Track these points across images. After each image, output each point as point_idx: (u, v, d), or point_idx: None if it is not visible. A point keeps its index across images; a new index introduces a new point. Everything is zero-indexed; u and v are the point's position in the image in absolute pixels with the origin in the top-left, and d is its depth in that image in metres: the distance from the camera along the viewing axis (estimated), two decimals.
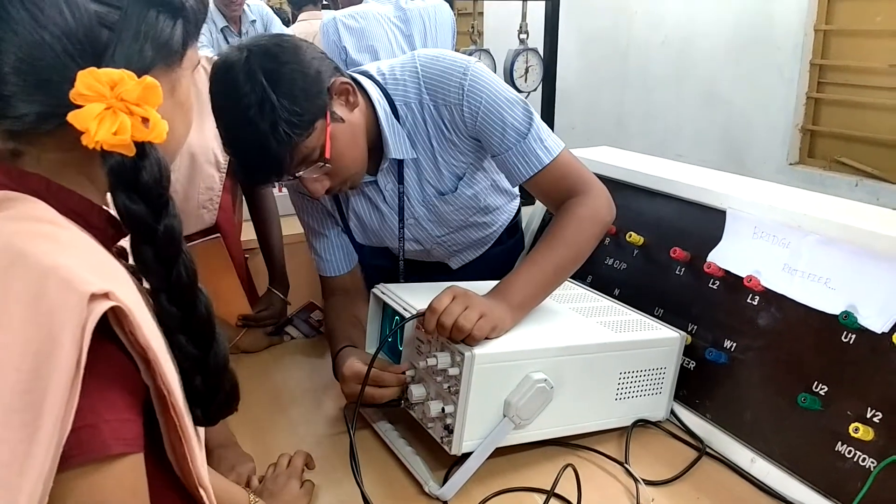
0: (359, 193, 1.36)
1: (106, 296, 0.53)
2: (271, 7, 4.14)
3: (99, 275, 0.54)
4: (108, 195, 0.64)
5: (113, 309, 0.53)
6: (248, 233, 1.78)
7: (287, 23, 3.92)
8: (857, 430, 0.99)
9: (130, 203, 0.58)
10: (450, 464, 1.10)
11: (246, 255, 1.77)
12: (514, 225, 1.61)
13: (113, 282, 0.55)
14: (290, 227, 1.79)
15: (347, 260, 1.44)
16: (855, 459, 1.00)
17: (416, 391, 1.08)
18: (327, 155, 1.12)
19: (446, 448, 1.04)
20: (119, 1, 0.60)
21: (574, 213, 1.20)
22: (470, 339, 1.02)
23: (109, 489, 0.54)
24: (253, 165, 1.11)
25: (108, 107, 0.56)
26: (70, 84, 0.56)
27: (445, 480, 1.06)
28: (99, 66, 0.57)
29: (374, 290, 1.24)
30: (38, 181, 0.60)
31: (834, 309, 1.06)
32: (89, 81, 0.55)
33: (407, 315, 1.12)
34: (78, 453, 0.52)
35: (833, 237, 1.10)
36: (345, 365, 1.18)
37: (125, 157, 0.57)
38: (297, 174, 1.13)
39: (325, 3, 3.94)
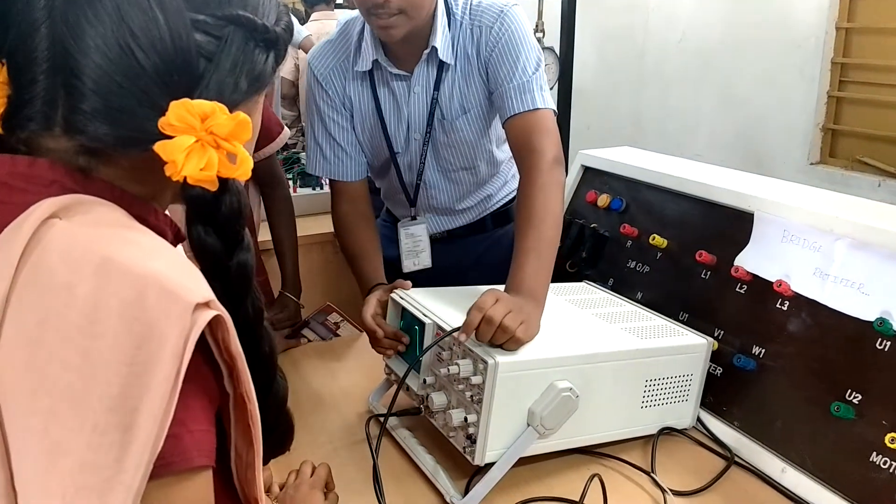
0: (386, 86, 1.40)
1: (207, 304, 0.51)
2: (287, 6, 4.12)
3: (192, 280, 0.53)
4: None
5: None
6: (264, 233, 1.77)
7: (301, 21, 3.91)
8: (893, 440, 0.96)
9: (206, 236, 0.57)
10: (471, 473, 1.07)
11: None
12: (503, 213, 1.63)
13: (206, 287, 0.54)
14: (303, 228, 1.78)
15: (354, 170, 1.46)
16: (891, 471, 0.96)
17: (438, 399, 1.06)
18: None
19: (469, 458, 1.02)
20: (221, 31, 0.58)
21: (539, 184, 1.23)
22: (511, 344, 1.02)
23: (184, 502, 0.52)
24: None
25: (198, 139, 0.54)
26: (158, 111, 0.54)
27: (467, 490, 1.03)
28: (192, 96, 0.55)
29: (392, 295, 1.22)
30: (102, 185, 0.58)
31: (868, 315, 1.03)
32: (181, 113, 0.54)
33: (427, 321, 1.09)
34: (160, 465, 0.50)
35: (866, 241, 1.06)
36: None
37: (206, 190, 0.55)
38: None
39: (338, 2, 3.93)
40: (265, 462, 0.66)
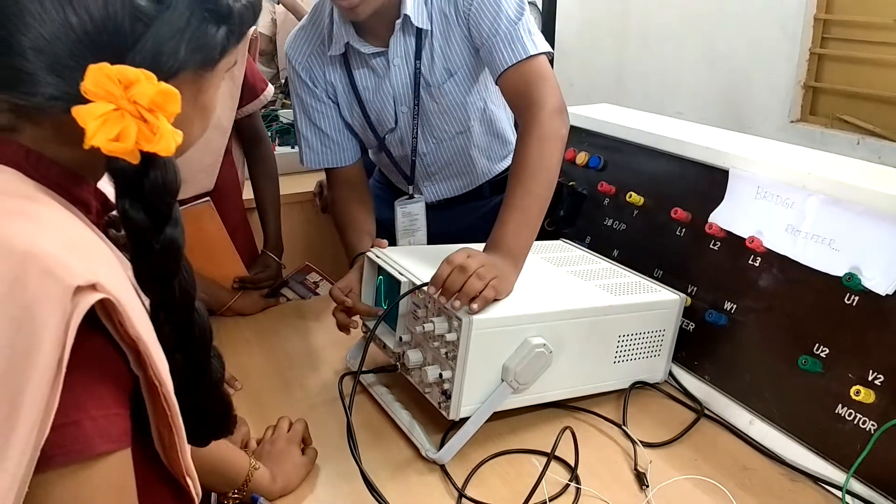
0: (364, 66, 1.36)
1: (93, 287, 0.49)
2: None
3: (84, 259, 0.51)
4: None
5: (101, 300, 0.49)
6: (247, 192, 1.75)
7: None
8: (858, 392, 0.98)
9: (131, 211, 0.54)
10: (447, 427, 1.09)
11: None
12: (502, 181, 1.59)
13: (99, 267, 0.51)
14: (284, 187, 1.77)
15: (345, 155, 1.45)
16: (855, 422, 0.99)
17: (413, 356, 1.07)
18: None
19: (444, 413, 1.03)
20: None
21: (536, 136, 1.18)
22: (487, 292, 1.00)
23: (95, 489, 0.51)
24: None
25: (118, 108, 0.51)
26: (83, 75, 0.52)
27: (442, 444, 1.05)
28: (122, 61, 0.53)
29: (367, 253, 1.22)
30: (17, 150, 0.56)
31: (838, 270, 1.05)
32: (98, 77, 0.51)
33: (402, 280, 1.10)
34: (59, 453, 0.48)
35: (838, 197, 1.07)
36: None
37: (129, 163, 0.53)
38: None
39: None
40: (204, 444, 0.65)
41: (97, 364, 0.52)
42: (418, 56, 1.33)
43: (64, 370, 0.47)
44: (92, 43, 0.53)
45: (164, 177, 0.55)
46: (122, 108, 0.52)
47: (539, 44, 1.26)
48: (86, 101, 0.51)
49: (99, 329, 0.51)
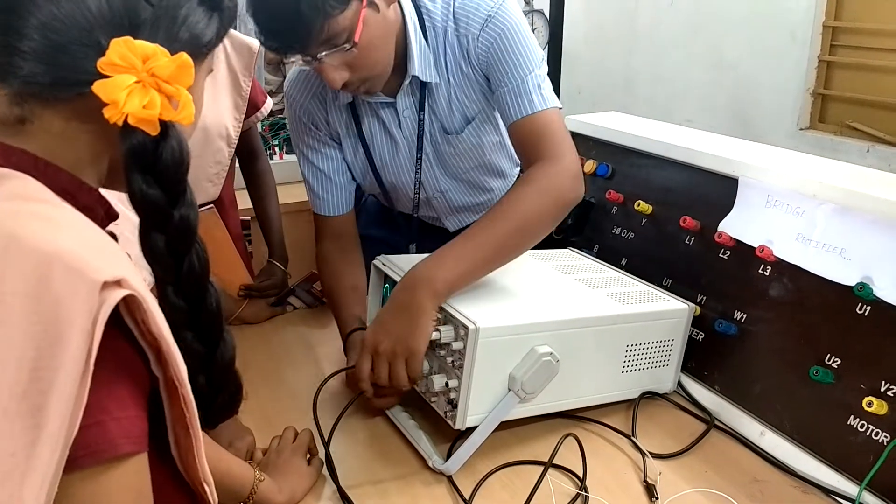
0: (373, 115, 1.32)
1: (118, 283, 0.49)
2: None
3: (104, 259, 0.51)
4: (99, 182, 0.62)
5: (124, 297, 0.50)
6: (243, 201, 1.76)
7: None
8: (870, 403, 0.97)
9: (146, 187, 0.55)
10: (454, 437, 1.08)
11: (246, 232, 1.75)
12: None
13: (120, 266, 0.51)
14: (290, 196, 1.77)
15: (344, 201, 1.40)
16: (868, 434, 0.98)
17: None
18: (356, 39, 1.08)
19: (450, 423, 1.02)
20: None
21: (531, 183, 1.14)
22: (400, 382, 1.04)
23: (114, 492, 0.51)
24: (278, 31, 1.07)
25: (139, 80, 0.53)
26: (97, 51, 0.53)
27: (449, 454, 1.04)
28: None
29: (374, 261, 1.21)
30: (25, 157, 0.56)
31: (849, 280, 1.03)
32: (123, 51, 0.53)
33: None
34: (85, 454, 0.48)
35: (849, 206, 1.06)
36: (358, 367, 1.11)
37: (147, 136, 0.54)
38: (319, 55, 1.08)
39: None
40: (214, 426, 0.65)
41: (119, 364, 0.52)
42: (422, 108, 1.29)
43: (92, 367, 0.47)
44: (107, 22, 0.55)
45: (178, 147, 0.56)
46: (142, 80, 0.53)
47: (549, 99, 1.21)
48: (97, 77, 0.53)
49: (120, 328, 0.51)
